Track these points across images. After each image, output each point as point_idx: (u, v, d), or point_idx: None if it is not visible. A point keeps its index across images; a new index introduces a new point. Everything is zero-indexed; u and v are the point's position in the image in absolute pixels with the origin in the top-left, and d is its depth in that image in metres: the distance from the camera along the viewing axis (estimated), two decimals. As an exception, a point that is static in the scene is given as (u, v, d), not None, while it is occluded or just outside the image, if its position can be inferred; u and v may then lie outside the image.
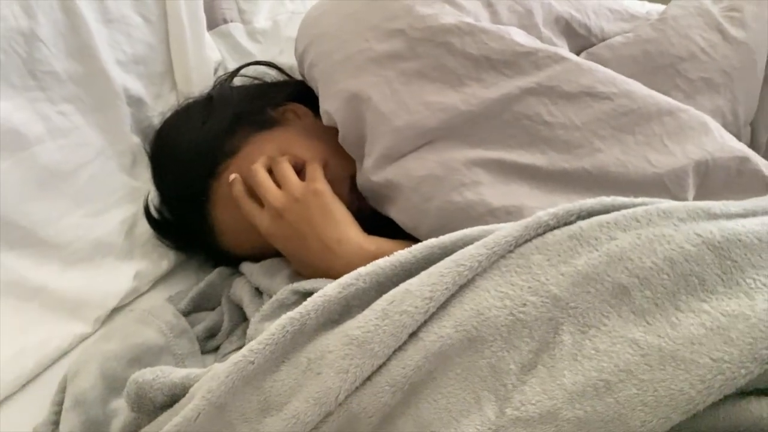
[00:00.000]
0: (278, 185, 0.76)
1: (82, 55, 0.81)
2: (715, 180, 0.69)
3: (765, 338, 0.40)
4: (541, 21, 0.78)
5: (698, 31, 0.81)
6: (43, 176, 0.77)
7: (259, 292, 0.79)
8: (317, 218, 0.72)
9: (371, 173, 0.73)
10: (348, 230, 0.72)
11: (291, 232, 0.74)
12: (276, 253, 0.78)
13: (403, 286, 0.49)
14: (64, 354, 0.75)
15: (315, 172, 0.75)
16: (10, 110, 0.74)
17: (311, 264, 0.72)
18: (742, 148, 0.70)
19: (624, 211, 0.48)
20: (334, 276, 0.55)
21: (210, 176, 0.79)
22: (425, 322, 0.48)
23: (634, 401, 0.41)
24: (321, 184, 0.74)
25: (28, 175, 0.75)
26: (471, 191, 0.68)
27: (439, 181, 0.69)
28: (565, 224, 0.49)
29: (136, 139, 0.88)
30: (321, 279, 0.67)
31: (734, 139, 0.71)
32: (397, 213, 0.73)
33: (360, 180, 0.77)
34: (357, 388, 0.47)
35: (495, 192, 0.67)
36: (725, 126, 0.78)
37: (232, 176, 0.77)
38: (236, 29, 1.06)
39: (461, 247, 0.50)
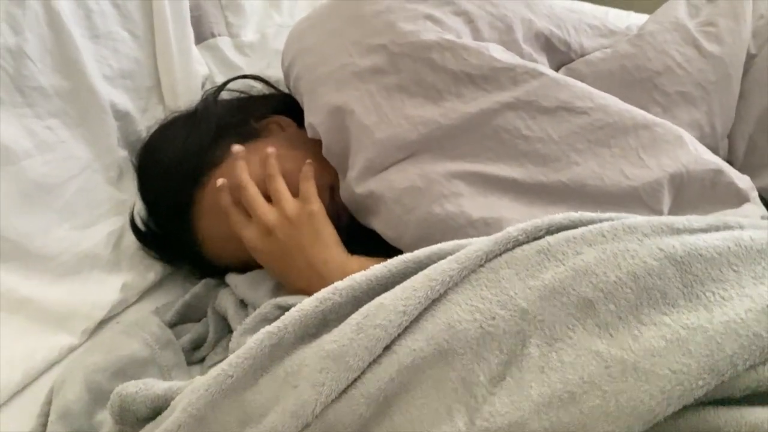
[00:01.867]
0: (269, 200, 0.77)
1: (69, 70, 0.82)
2: (690, 192, 0.71)
3: (721, 351, 0.41)
4: (521, 37, 0.80)
5: (675, 46, 0.83)
6: (30, 190, 0.78)
7: (243, 304, 0.80)
8: (308, 239, 0.74)
9: (355, 185, 0.75)
10: (333, 251, 0.74)
11: (278, 249, 0.75)
12: (260, 265, 0.79)
13: (377, 300, 0.50)
14: (52, 365, 0.76)
15: (310, 191, 0.76)
16: (-2, 126, 0.75)
17: (294, 282, 0.74)
18: (716, 161, 0.71)
19: (591, 227, 0.49)
20: (315, 290, 0.56)
21: (194, 186, 0.81)
22: (399, 336, 0.49)
23: (598, 412, 0.42)
24: (316, 206, 0.75)
25: (16, 189, 0.77)
26: (451, 203, 0.69)
27: (421, 193, 0.70)
28: (534, 239, 0.50)
29: (123, 153, 0.89)
30: (303, 296, 0.68)
31: (708, 151, 0.73)
32: (379, 224, 0.75)
33: (343, 192, 0.78)
34: (333, 400, 0.48)
35: (474, 204, 0.69)
36: (703, 138, 0.79)
37: (220, 181, 0.78)
38: (224, 43, 1.07)
39: (435, 261, 0.51)
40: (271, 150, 0.78)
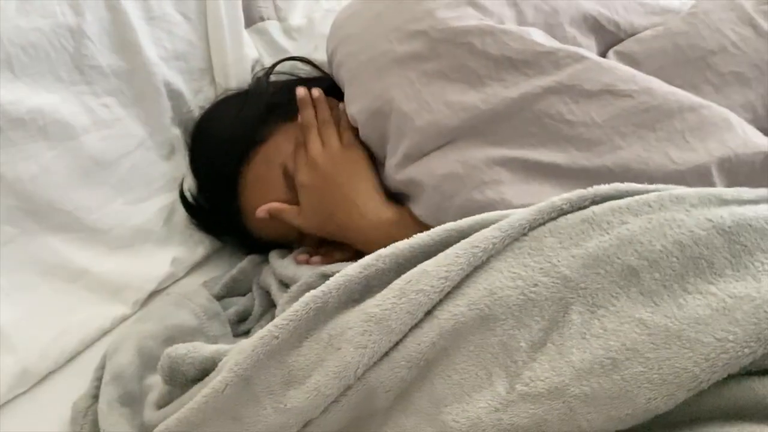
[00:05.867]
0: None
1: (125, 50, 0.85)
2: (740, 176, 0.69)
3: (769, 319, 0.40)
4: (567, 20, 0.79)
5: (730, 25, 0.80)
6: (87, 165, 0.81)
7: (285, 284, 0.82)
8: (345, 176, 0.78)
9: (394, 172, 0.76)
10: (374, 192, 0.78)
11: (321, 183, 0.79)
12: (299, 240, 0.81)
13: (420, 267, 0.51)
14: (105, 334, 0.80)
15: (351, 137, 0.80)
16: (58, 102, 0.78)
17: (334, 215, 0.78)
18: (765, 143, 0.69)
19: (637, 197, 0.49)
20: (354, 232, 0.63)
21: (241, 161, 0.83)
22: (440, 301, 0.49)
23: (640, 378, 0.42)
24: (357, 151, 0.80)
25: (74, 163, 0.80)
26: (492, 190, 0.69)
27: (461, 179, 0.70)
28: (579, 209, 0.50)
29: (176, 131, 0.92)
30: (347, 263, 0.70)
31: (759, 134, 0.71)
32: (419, 210, 0.75)
33: (383, 178, 0.79)
34: (375, 363, 0.50)
35: (516, 191, 0.68)
36: (757, 121, 0.77)
37: (301, 91, 0.84)
38: (272, 26, 1.09)
39: (477, 231, 0.52)
40: (316, 93, 0.83)
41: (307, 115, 0.82)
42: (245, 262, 0.87)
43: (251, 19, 1.06)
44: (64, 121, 0.78)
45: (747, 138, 0.69)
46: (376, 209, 0.76)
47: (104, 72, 0.83)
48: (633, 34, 0.83)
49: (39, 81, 0.76)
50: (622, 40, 0.83)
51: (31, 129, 0.75)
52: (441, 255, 0.51)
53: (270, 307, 0.82)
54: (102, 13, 0.83)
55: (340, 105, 0.82)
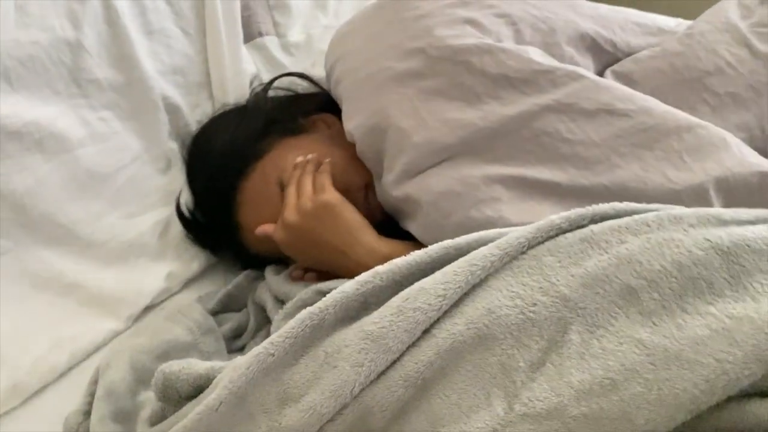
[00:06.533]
0: None
1: (123, 64, 0.85)
2: (737, 196, 0.69)
3: (769, 340, 0.40)
4: (564, 39, 0.80)
5: (725, 46, 0.81)
6: (83, 178, 0.81)
7: (280, 300, 0.81)
8: (329, 227, 0.75)
9: (391, 188, 0.75)
10: (360, 234, 0.75)
11: (303, 243, 0.77)
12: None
13: (417, 284, 0.50)
14: (98, 348, 0.78)
15: (323, 182, 0.77)
16: (55, 115, 0.78)
17: (324, 264, 0.76)
18: (762, 163, 0.69)
19: (635, 216, 0.49)
20: (348, 277, 0.57)
21: (239, 176, 0.82)
22: (438, 320, 0.49)
23: (639, 400, 0.42)
24: (329, 195, 0.76)
25: (69, 176, 0.80)
26: (490, 208, 0.69)
27: (458, 197, 0.70)
28: (578, 227, 0.50)
29: (172, 145, 0.91)
30: (342, 279, 0.69)
31: (755, 154, 0.71)
32: (416, 228, 0.75)
33: (380, 195, 0.79)
34: (372, 381, 0.49)
35: (513, 209, 0.68)
36: (753, 141, 0.77)
37: (300, 159, 0.80)
38: (271, 42, 1.09)
39: (476, 248, 0.51)
40: (312, 156, 0.80)
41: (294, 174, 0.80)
42: (241, 278, 0.87)
43: (250, 34, 1.07)
44: (61, 134, 0.78)
45: (743, 158, 0.69)
46: (368, 251, 0.74)
47: (102, 85, 0.83)
48: (630, 54, 0.84)
49: (36, 94, 0.77)
50: (618, 60, 0.84)
51: (27, 142, 0.75)
52: (439, 273, 0.50)
53: (265, 323, 0.81)
54: (100, 27, 0.83)
55: (327, 160, 0.80)
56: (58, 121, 0.78)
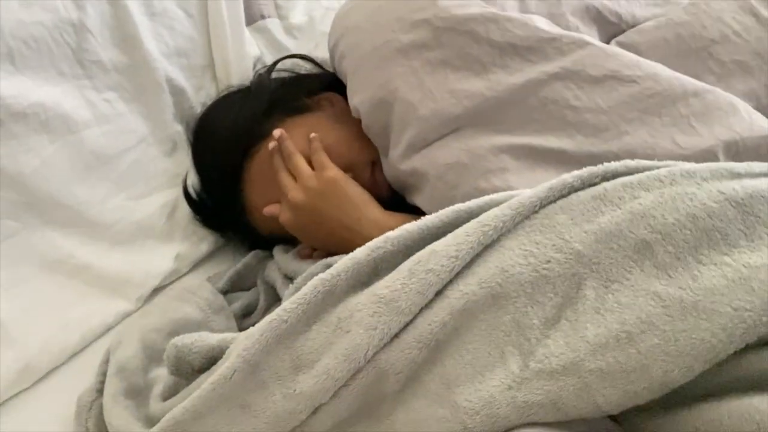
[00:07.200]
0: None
1: (127, 45, 0.85)
2: (747, 160, 0.68)
3: (787, 287, 0.40)
4: (569, 10, 0.79)
5: (731, 14, 0.81)
6: (89, 160, 0.81)
7: (289, 278, 0.81)
8: (334, 203, 0.75)
9: (398, 162, 0.75)
10: (366, 209, 0.75)
11: (310, 221, 0.77)
12: None
13: (429, 247, 0.50)
14: (108, 329, 0.79)
15: (322, 160, 0.77)
16: (59, 96, 0.78)
17: (331, 242, 0.75)
18: None
19: (648, 173, 0.49)
20: None
21: (244, 156, 0.82)
22: (451, 281, 0.49)
23: (656, 351, 0.42)
24: (332, 171, 0.76)
25: (75, 157, 0.79)
26: (498, 178, 0.68)
27: (466, 168, 0.70)
28: (590, 185, 0.50)
29: (178, 127, 0.91)
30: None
31: (764, 118, 0.71)
32: (423, 201, 0.74)
33: (386, 170, 0.79)
34: (385, 344, 0.49)
35: (521, 178, 0.68)
36: (760, 109, 0.77)
37: (272, 144, 0.79)
38: (273, 25, 1.09)
39: (487, 211, 0.51)
40: (278, 132, 0.79)
41: (274, 160, 0.80)
42: (249, 257, 0.86)
43: (252, 17, 1.06)
44: (66, 115, 0.78)
45: (753, 122, 0.69)
46: (375, 225, 0.74)
47: (105, 67, 0.83)
48: (634, 25, 0.83)
49: (41, 74, 0.76)
50: (623, 31, 0.83)
51: (32, 122, 0.74)
52: (450, 235, 0.50)
53: (275, 301, 0.81)
54: (103, 8, 0.82)
55: (312, 135, 0.79)
56: (63, 102, 0.78)
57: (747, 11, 0.81)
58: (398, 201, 0.79)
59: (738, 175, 0.48)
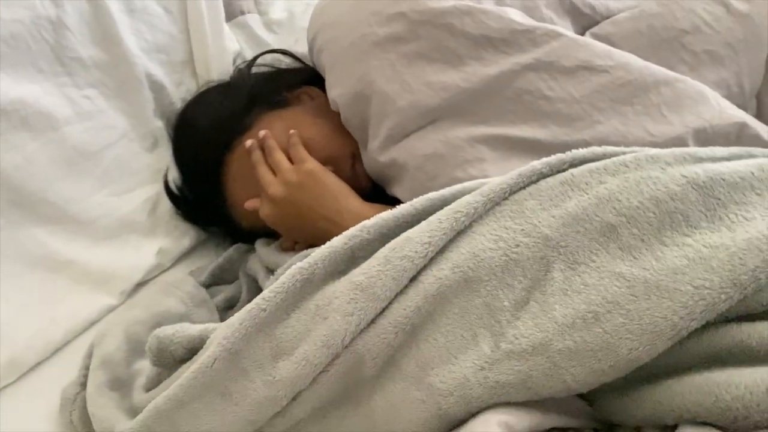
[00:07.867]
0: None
1: (106, 42, 0.85)
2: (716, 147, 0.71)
3: (743, 265, 0.42)
4: (543, 2, 0.80)
5: (702, 5, 0.82)
6: (71, 156, 0.81)
7: (271, 270, 0.82)
8: (314, 195, 0.76)
9: (377, 154, 0.76)
10: (346, 200, 0.76)
11: (290, 214, 0.77)
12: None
13: (404, 235, 0.51)
14: (92, 324, 0.79)
15: (300, 153, 0.78)
16: (39, 94, 0.78)
17: (316, 240, 0.75)
18: (740, 114, 0.71)
19: (613, 158, 0.50)
20: None
21: (225, 150, 0.83)
22: (425, 267, 0.50)
23: (621, 330, 0.43)
24: (310, 164, 0.77)
25: (57, 154, 0.80)
26: (474, 168, 0.70)
27: (443, 159, 0.71)
28: (558, 172, 0.51)
29: (158, 123, 0.92)
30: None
31: (733, 106, 0.73)
32: (402, 192, 0.76)
33: (366, 162, 0.80)
34: (362, 330, 0.50)
35: (497, 168, 0.69)
36: (730, 98, 0.79)
37: (249, 142, 0.80)
38: (253, 20, 1.09)
39: (460, 198, 0.52)
40: (262, 133, 0.80)
41: (254, 156, 0.80)
42: (231, 251, 0.87)
43: (232, 13, 1.07)
44: (47, 112, 0.78)
45: (722, 110, 0.70)
46: (355, 216, 0.74)
47: (85, 64, 0.83)
48: (608, 17, 0.84)
49: (20, 72, 0.76)
50: (597, 23, 0.84)
51: (13, 119, 0.75)
52: (424, 222, 0.52)
53: (257, 293, 0.81)
54: (82, 5, 0.83)
55: (291, 131, 0.80)
56: (43, 99, 0.78)
57: (718, 2, 0.82)
58: (378, 193, 0.81)
59: (700, 160, 0.49)
